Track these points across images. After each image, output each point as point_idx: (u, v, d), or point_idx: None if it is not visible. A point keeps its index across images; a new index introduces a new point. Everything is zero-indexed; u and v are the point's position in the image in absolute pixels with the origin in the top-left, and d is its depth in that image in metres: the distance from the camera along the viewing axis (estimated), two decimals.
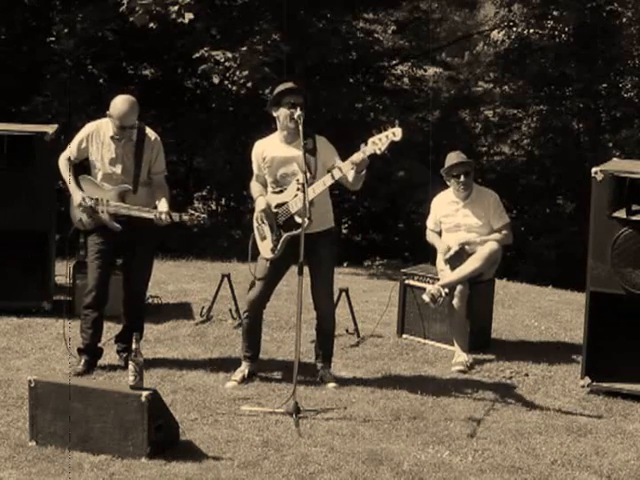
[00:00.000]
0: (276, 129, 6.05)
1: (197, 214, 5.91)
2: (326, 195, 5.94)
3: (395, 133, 5.56)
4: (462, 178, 6.92)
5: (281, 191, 5.93)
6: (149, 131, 6.14)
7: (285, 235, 5.84)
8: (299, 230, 5.56)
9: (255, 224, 6.00)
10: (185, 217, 5.88)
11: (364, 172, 5.76)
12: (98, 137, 6.07)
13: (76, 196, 6.07)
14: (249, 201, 6.23)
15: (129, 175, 6.03)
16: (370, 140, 5.60)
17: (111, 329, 6.65)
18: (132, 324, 6.12)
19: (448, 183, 7.07)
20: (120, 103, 5.97)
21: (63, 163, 6.19)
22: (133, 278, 6.23)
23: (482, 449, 5.00)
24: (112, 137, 6.02)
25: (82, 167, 6.25)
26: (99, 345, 6.28)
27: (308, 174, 5.74)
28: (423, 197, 12.49)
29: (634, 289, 5.85)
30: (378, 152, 5.60)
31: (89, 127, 6.15)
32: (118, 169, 6.04)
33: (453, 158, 7.00)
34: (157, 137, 6.15)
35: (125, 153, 6.03)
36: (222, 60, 12.72)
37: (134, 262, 6.20)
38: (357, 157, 5.65)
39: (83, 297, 6.25)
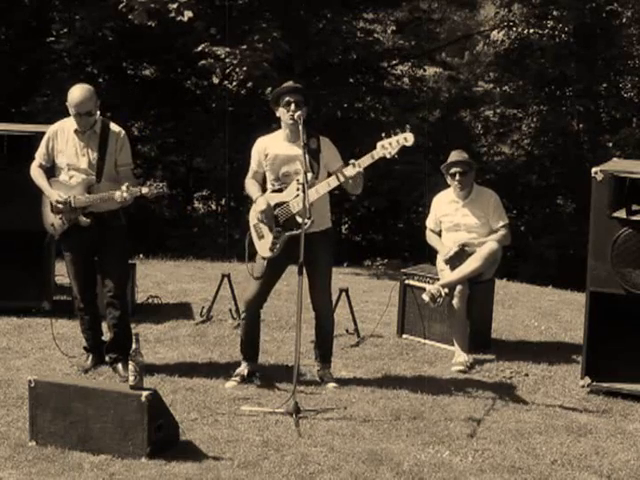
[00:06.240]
0: (277, 128, 6.05)
1: (155, 184, 5.85)
2: (325, 196, 5.91)
3: (407, 138, 5.53)
4: (457, 177, 6.92)
5: (281, 190, 5.91)
6: (113, 125, 6.12)
7: (285, 234, 5.82)
8: (299, 230, 5.54)
9: (252, 222, 5.98)
10: (144, 189, 5.81)
11: (361, 179, 5.73)
12: (63, 134, 6.07)
13: (54, 198, 6.03)
14: (249, 201, 6.19)
15: (94, 168, 6.00)
16: (379, 144, 5.57)
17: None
18: (117, 336, 6.11)
19: (448, 181, 7.08)
20: (76, 90, 5.97)
21: (36, 171, 6.16)
22: (110, 282, 6.10)
23: (482, 449, 5.00)
24: (76, 131, 6.02)
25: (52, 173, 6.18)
26: (102, 339, 6.34)
27: (310, 174, 5.73)
28: (424, 189, 12.50)
29: (634, 289, 5.85)
30: (388, 156, 5.57)
31: (53, 127, 6.16)
32: (83, 163, 6.01)
33: (454, 156, 7.02)
34: (122, 131, 6.13)
35: (89, 146, 6.01)
36: (222, 56, 12.72)
37: (107, 264, 6.12)
38: (365, 160, 5.62)
39: (74, 300, 6.24)
